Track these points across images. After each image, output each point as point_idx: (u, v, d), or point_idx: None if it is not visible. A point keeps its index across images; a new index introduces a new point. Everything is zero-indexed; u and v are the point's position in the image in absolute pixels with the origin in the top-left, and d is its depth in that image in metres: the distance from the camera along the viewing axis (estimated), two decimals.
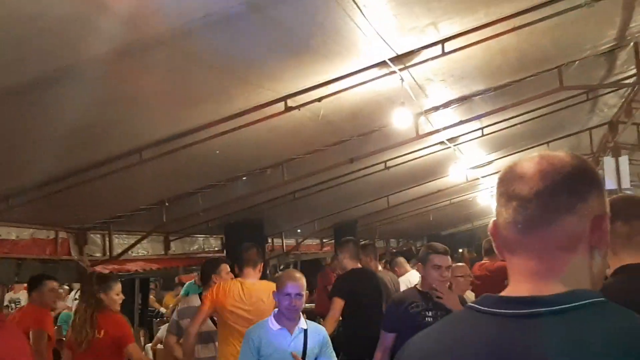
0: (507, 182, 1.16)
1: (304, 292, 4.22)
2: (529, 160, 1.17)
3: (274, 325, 4.07)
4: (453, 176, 9.52)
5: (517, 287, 1.14)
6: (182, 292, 12.97)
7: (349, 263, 6.05)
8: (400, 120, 5.45)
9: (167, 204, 6.74)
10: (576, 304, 1.05)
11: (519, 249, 1.15)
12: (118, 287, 5.14)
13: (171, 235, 8.45)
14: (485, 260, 7.25)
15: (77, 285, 9.99)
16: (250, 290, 5.02)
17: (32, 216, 6.07)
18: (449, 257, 4.56)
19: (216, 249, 9.70)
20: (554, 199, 1.11)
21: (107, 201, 6.47)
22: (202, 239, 9.40)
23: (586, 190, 1.13)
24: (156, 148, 5.15)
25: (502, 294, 1.16)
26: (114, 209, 6.82)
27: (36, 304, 5.44)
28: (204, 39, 3.74)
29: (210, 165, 6.27)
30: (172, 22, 3.40)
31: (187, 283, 13.25)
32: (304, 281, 4.15)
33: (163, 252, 8.24)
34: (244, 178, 6.85)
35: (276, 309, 4.18)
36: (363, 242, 8.04)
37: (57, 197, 5.49)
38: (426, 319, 4.42)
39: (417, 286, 4.64)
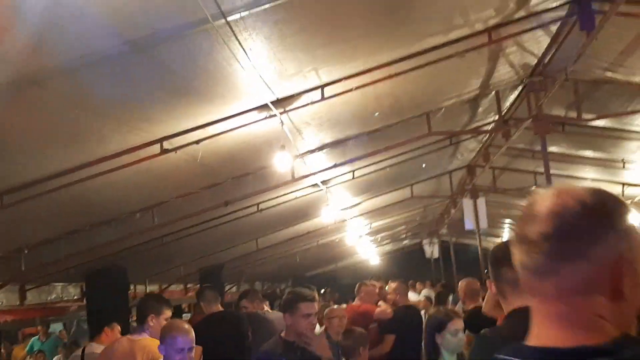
0: (522, 221, 1.11)
1: None
2: (547, 196, 1.10)
3: None
4: (324, 217, 9.60)
5: (545, 333, 1.08)
6: (27, 347, 12.11)
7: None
8: (280, 163, 5.41)
9: (26, 251, 6.25)
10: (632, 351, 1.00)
11: (537, 293, 1.10)
12: None
13: (27, 284, 7.85)
14: (355, 303, 7.43)
15: None
16: None
17: None
18: (316, 304, 4.41)
19: (75, 297, 9.11)
20: (562, 244, 1.05)
21: None
22: (60, 287, 8.80)
23: (601, 232, 1.05)
24: (19, 193, 4.78)
25: (534, 343, 1.10)
26: None
27: None
28: (80, 78, 3.54)
29: (76, 209, 5.90)
30: (48, 61, 3.19)
31: (32, 339, 12.43)
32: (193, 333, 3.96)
33: (18, 303, 7.62)
34: (111, 223, 6.50)
35: None
36: (245, 290, 7.85)
37: None
38: None
39: (282, 335, 4.39)
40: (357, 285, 7.63)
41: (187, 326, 3.93)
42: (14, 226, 5.69)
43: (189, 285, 13.12)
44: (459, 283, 7.43)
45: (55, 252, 6.69)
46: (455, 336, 4.35)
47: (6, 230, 5.74)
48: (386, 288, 8.51)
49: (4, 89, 3.25)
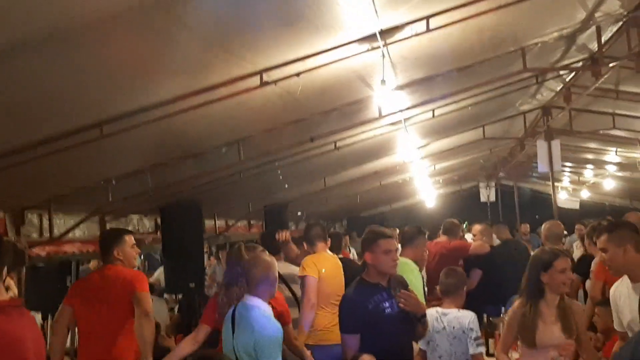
0: None
1: None
2: None
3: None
4: (397, 157, 9.48)
5: None
6: None
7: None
8: (379, 98, 5.29)
9: (114, 182, 6.29)
10: None
11: None
12: None
13: (107, 215, 7.96)
14: (441, 239, 7.44)
15: None
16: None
17: None
18: (395, 240, 4.43)
19: (150, 230, 9.25)
20: None
21: (49, 179, 5.96)
22: (136, 219, 8.93)
23: None
24: (119, 122, 4.75)
25: None
26: (55, 188, 6.31)
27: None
28: (200, 4, 3.43)
29: (166, 142, 5.89)
30: None
31: None
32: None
33: (99, 234, 7.74)
34: (197, 156, 6.49)
35: None
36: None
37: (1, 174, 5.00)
38: (386, 311, 4.23)
39: (364, 277, 4.36)
40: (445, 223, 7.63)
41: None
42: (107, 157, 5.72)
43: (252, 222, 13.23)
44: (543, 225, 7.33)
45: (139, 184, 6.74)
46: (563, 274, 4.26)
47: (100, 162, 5.77)
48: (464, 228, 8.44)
49: (133, 13, 3.16)
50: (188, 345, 4.90)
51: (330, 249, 6.73)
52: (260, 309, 3.87)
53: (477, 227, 8.10)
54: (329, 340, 5.76)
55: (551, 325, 4.20)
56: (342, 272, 6.18)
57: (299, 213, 13.93)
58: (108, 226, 7.98)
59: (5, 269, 3.03)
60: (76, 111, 4.53)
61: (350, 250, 11.78)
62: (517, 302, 4.45)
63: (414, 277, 5.77)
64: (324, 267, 6.03)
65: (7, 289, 8.07)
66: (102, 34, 3.42)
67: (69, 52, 3.55)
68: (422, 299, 5.92)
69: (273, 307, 4.10)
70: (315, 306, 5.87)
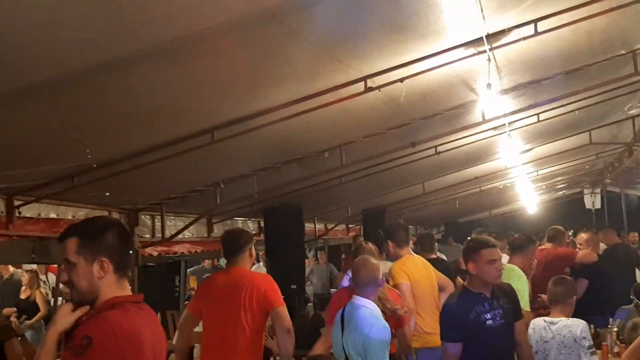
0: None
1: None
2: None
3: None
4: (500, 162, 9.33)
5: None
6: None
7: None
8: (485, 102, 5.26)
9: (222, 185, 6.55)
10: None
11: None
12: None
13: (214, 217, 8.27)
14: (546, 246, 7.30)
15: None
16: None
17: (87, 196, 5.88)
18: (498, 249, 4.34)
19: (254, 232, 9.52)
20: None
21: (161, 182, 6.28)
22: (241, 222, 9.22)
23: None
24: (229, 129, 4.95)
25: None
26: (167, 191, 6.64)
27: None
28: (310, 13, 3.54)
29: (272, 147, 6.07)
30: None
31: None
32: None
33: (206, 235, 8.07)
34: (301, 161, 6.65)
35: None
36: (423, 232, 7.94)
37: (116, 178, 5.30)
38: (487, 322, 4.22)
39: (467, 285, 4.37)
40: (550, 230, 7.50)
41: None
42: (217, 162, 5.97)
43: (350, 226, 13.36)
44: None
45: (244, 188, 6.97)
46: None
47: (208, 166, 6.02)
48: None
49: (245, 23, 3.31)
50: (320, 348, 4.99)
51: (422, 250, 6.77)
52: (368, 308, 3.95)
53: (582, 236, 7.86)
54: (432, 343, 5.73)
55: None
56: (433, 273, 6.10)
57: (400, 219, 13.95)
58: (215, 228, 8.29)
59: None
60: (189, 118, 4.77)
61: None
62: None
63: (521, 284, 5.70)
64: (413, 272, 5.91)
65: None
66: (216, 46, 3.59)
67: (185, 64, 3.75)
68: (526, 306, 5.85)
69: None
70: (414, 311, 5.84)
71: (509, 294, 4.44)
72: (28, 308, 9.14)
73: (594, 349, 4.75)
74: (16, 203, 5.21)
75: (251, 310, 4.75)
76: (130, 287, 2.64)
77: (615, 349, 5.75)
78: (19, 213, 5.22)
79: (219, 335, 4.75)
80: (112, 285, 2.46)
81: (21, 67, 3.19)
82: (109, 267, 2.45)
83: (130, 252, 2.59)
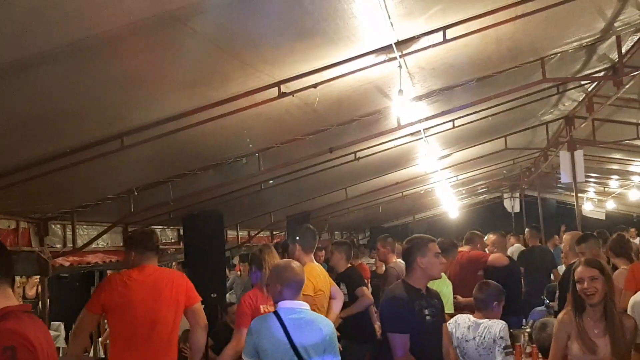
0: None
1: None
2: None
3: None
4: (418, 167, 9.48)
5: None
6: None
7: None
8: (397, 109, 5.31)
9: (135, 193, 6.39)
10: None
11: None
12: None
13: (130, 226, 8.07)
14: (463, 248, 7.47)
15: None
16: None
17: None
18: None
19: (172, 240, 9.36)
20: None
21: (72, 190, 6.08)
22: (159, 230, 9.02)
23: None
24: (139, 134, 4.83)
25: None
26: (78, 199, 6.43)
27: None
28: (216, 16, 3.48)
29: (187, 153, 5.97)
30: None
31: None
32: None
33: (122, 244, 7.85)
34: (217, 167, 6.56)
35: None
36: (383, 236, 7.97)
37: (23, 185, 5.10)
38: (426, 317, 4.34)
39: (407, 280, 4.47)
40: (467, 233, 7.67)
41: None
42: (127, 168, 5.82)
43: (274, 232, 13.29)
44: (564, 237, 7.28)
45: (160, 195, 6.83)
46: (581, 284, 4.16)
47: (120, 173, 5.87)
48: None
49: (148, 26, 3.23)
50: (231, 351, 4.95)
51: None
52: (308, 310, 3.97)
53: (490, 237, 8.13)
54: None
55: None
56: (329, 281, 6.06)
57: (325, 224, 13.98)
58: None
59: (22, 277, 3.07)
60: (99, 123, 4.63)
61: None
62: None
63: (447, 288, 5.84)
64: (318, 281, 5.76)
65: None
66: (120, 49, 3.50)
67: (87, 66, 3.63)
68: (450, 309, 5.97)
69: None
70: None
71: (437, 295, 4.63)
72: None
73: (510, 349, 4.84)
74: None
75: (175, 306, 4.71)
76: (16, 297, 2.56)
77: (528, 349, 5.89)
78: None
79: (138, 332, 4.58)
80: None
81: None
82: None
83: (8, 260, 2.51)
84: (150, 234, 5.01)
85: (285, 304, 3.96)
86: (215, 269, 8.74)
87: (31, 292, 10.75)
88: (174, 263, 9.97)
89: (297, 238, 5.99)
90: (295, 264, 4.22)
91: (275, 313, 3.92)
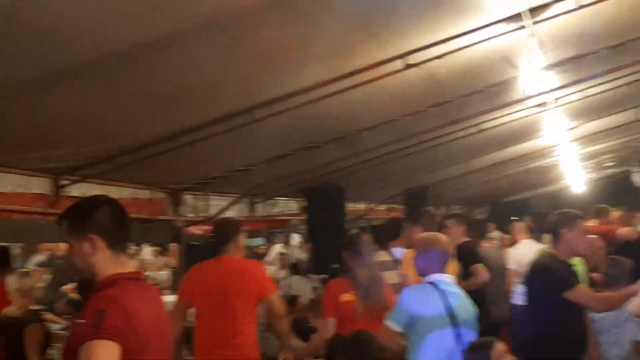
0: None
1: None
2: None
3: None
4: (543, 140, 9.20)
5: None
6: None
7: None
8: (526, 79, 5.19)
9: (263, 165, 6.61)
10: None
11: None
12: None
13: (255, 197, 8.36)
14: (591, 223, 7.19)
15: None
16: None
17: (132, 176, 6.00)
18: None
19: (295, 212, 9.60)
20: None
21: (204, 162, 6.37)
22: (282, 202, 9.30)
23: None
24: (269, 107, 4.99)
25: None
26: (209, 171, 6.73)
27: None
28: None
29: (311, 127, 6.09)
30: None
31: None
32: None
33: (248, 214, 8.16)
34: (340, 140, 6.65)
35: None
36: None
37: (160, 157, 5.40)
38: None
39: (554, 254, 4.43)
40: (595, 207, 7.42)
41: None
42: (257, 141, 6.01)
43: (392, 206, 13.31)
44: None
45: (285, 167, 7.03)
46: None
47: (250, 145, 6.08)
48: None
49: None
50: (319, 339, 5.29)
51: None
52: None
53: (615, 214, 7.79)
54: None
55: None
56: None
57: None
58: (257, 208, 8.39)
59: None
60: (230, 97, 4.82)
61: None
62: None
63: (580, 265, 5.71)
64: None
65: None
66: (255, 22, 3.62)
67: (222, 41, 3.79)
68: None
69: None
70: None
71: (575, 273, 4.54)
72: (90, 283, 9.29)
73: None
74: (62, 183, 5.35)
75: (245, 297, 4.81)
76: (130, 263, 2.65)
77: None
78: (65, 193, 5.36)
79: (214, 324, 4.75)
80: (108, 262, 2.47)
81: (60, 49, 3.25)
82: (101, 244, 2.46)
83: (125, 228, 2.55)
84: (228, 225, 5.17)
85: (436, 276, 4.03)
86: (336, 240, 8.91)
87: (166, 259, 11.41)
88: (296, 236, 10.24)
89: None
90: (441, 236, 4.26)
91: (431, 283, 4.00)
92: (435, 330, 3.90)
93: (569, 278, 4.28)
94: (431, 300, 3.94)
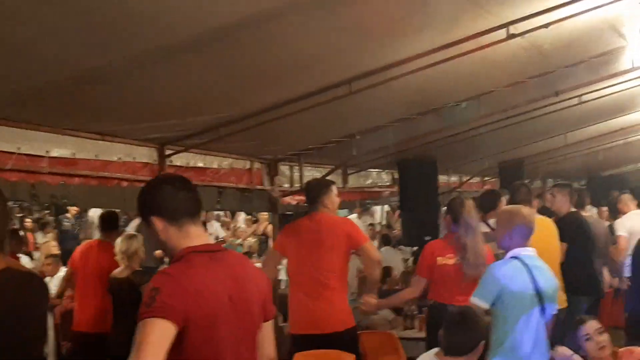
0: None
1: None
2: None
3: None
4: None
5: None
6: None
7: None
8: (635, 48, 4.98)
9: (358, 137, 6.63)
10: None
11: None
12: None
13: (349, 169, 8.41)
14: None
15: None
16: None
17: (232, 146, 6.15)
18: None
19: (387, 183, 9.60)
20: None
21: (299, 133, 6.45)
22: (375, 173, 9.31)
23: None
24: (366, 79, 4.99)
25: None
26: (305, 142, 6.82)
27: None
28: None
29: (408, 98, 6.05)
30: None
31: None
32: None
33: (341, 186, 8.21)
34: (437, 111, 6.59)
35: None
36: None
37: (258, 129, 5.51)
38: None
39: None
40: None
41: None
42: (353, 113, 6.04)
43: (486, 179, 13.10)
44: None
45: (379, 139, 7.02)
46: None
47: (347, 117, 6.11)
48: None
49: None
50: (407, 293, 5.60)
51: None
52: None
53: None
54: None
55: None
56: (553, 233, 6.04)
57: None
58: (350, 179, 8.44)
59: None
60: (328, 69, 4.84)
61: None
62: None
63: None
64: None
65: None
66: None
67: (326, 14, 3.81)
68: None
69: None
70: None
71: None
72: None
73: None
74: (167, 152, 5.56)
75: (336, 250, 5.11)
76: (206, 234, 2.68)
77: None
78: (170, 162, 5.57)
79: (306, 276, 5.09)
80: (177, 237, 2.50)
81: (171, 24, 3.38)
82: (162, 223, 2.50)
83: (187, 202, 2.54)
84: (318, 184, 5.58)
85: (521, 251, 3.99)
86: (428, 213, 8.87)
87: (260, 229, 11.75)
88: (387, 207, 10.25)
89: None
90: (524, 209, 4.20)
91: (516, 258, 3.97)
92: (523, 306, 3.88)
93: None
94: (519, 276, 3.92)
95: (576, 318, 4.10)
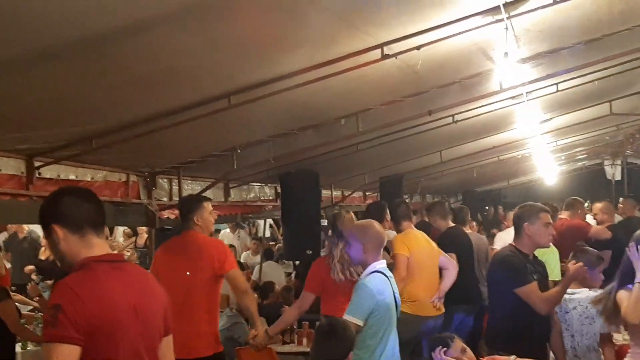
0: None
1: None
2: None
3: None
4: (520, 131, 9.30)
5: None
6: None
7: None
8: (501, 71, 5.25)
9: (238, 150, 6.60)
10: None
11: None
12: None
13: (231, 182, 8.35)
14: (563, 215, 7.32)
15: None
16: None
17: (105, 158, 5.96)
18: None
19: (270, 197, 9.61)
20: None
21: (179, 146, 6.35)
22: (257, 187, 9.30)
23: None
24: (245, 94, 4.98)
25: None
26: (184, 155, 6.71)
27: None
28: None
29: (288, 113, 6.09)
30: None
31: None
32: None
33: (223, 200, 8.15)
34: (316, 127, 6.68)
35: None
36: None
37: (135, 141, 5.37)
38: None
39: (516, 246, 4.55)
40: (568, 199, 7.55)
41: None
42: (233, 126, 6.01)
43: (367, 193, 13.39)
44: None
45: (260, 153, 7.02)
46: None
47: (227, 131, 6.07)
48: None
49: None
50: (293, 312, 5.55)
51: (454, 222, 6.97)
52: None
53: (597, 205, 7.92)
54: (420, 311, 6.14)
55: None
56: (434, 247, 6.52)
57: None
58: (232, 193, 8.38)
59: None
60: (208, 82, 4.80)
61: None
62: None
63: (553, 255, 5.87)
64: (413, 246, 6.35)
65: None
66: (234, 9, 3.62)
67: (205, 26, 3.78)
68: (558, 276, 5.97)
69: None
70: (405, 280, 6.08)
71: (543, 265, 4.73)
72: (48, 269, 9.32)
73: None
74: (36, 164, 5.29)
75: (204, 273, 5.00)
76: (107, 246, 2.66)
77: None
78: (39, 174, 5.31)
79: (175, 297, 4.81)
80: (78, 247, 2.50)
81: (39, 29, 3.22)
82: (62, 231, 2.50)
83: (89, 212, 2.54)
84: (189, 200, 5.50)
85: (377, 264, 4.10)
86: (310, 227, 8.94)
87: (141, 242, 11.45)
88: (270, 221, 10.26)
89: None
90: (375, 222, 4.33)
91: (379, 272, 4.06)
92: (391, 317, 4.03)
93: (523, 274, 4.36)
94: (387, 289, 4.05)
95: (441, 336, 4.18)
